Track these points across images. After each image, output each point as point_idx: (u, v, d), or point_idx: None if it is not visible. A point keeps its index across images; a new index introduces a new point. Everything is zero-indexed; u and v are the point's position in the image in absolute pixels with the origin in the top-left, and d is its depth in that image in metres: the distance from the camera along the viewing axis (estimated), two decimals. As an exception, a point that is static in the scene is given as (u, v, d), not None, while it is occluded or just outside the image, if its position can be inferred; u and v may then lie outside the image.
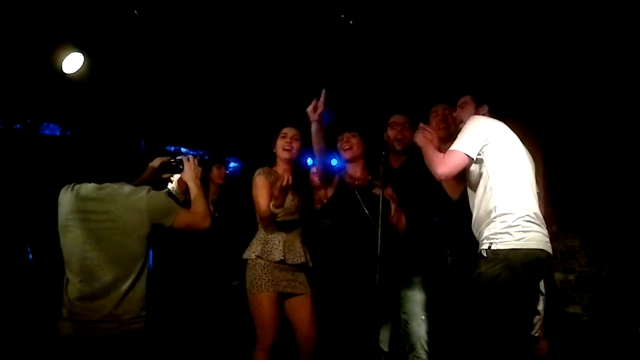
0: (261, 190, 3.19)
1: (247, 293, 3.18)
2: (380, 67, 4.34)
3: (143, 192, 2.41)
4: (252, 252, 3.21)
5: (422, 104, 3.46)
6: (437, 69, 4.20)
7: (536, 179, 2.87)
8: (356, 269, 3.29)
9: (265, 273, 3.13)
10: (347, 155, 3.51)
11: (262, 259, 3.16)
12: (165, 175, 2.81)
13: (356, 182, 3.48)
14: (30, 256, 3.82)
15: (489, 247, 2.63)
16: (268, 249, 3.18)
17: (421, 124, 3.04)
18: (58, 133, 4.30)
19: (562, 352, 4.32)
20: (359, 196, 3.41)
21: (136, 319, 2.36)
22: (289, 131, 3.36)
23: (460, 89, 3.04)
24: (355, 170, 3.54)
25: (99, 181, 2.43)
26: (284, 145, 3.33)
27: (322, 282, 3.43)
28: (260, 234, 3.26)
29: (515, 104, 4.03)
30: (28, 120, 4.11)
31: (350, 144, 3.49)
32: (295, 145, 3.33)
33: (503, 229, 2.61)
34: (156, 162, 2.78)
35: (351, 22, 3.90)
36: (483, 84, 3.23)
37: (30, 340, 3.47)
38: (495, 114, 2.91)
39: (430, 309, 3.37)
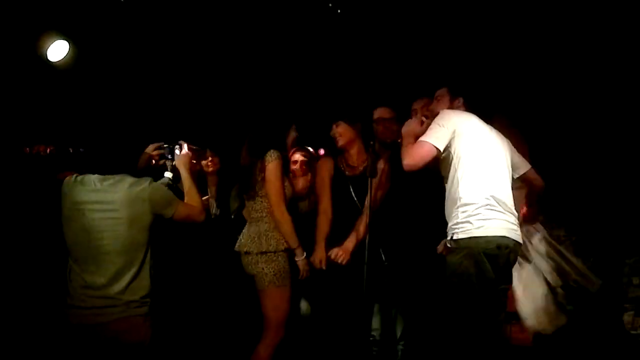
0: (281, 179, 3.07)
1: (266, 286, 3.00)
2: (367, 55, 4.33)
3: (145, 183, 2.49)
4: (277, 243, 3.04)
5: (408, 93, 3.47)
6: (422, 58, 4.19)
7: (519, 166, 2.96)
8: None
9: (289, 267, 3.03)
10: (338, 144, 3.51)
11: (286, 252, 3.04)
12: (161, 161, 2.87)
13: (347, 172, 3.49)
14: None
15: (452, 237, 2.70)
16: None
17: (420, 114, 3.06)
18: None
19: (546, 341, 4.35)
20: (350, 185, 3.43)
21: (141, 302, 2.44)
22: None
23: (441, 80, 3.08)
24: (351, 158, 3.52)
25: (101, 172, 2.48)
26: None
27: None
28: (272, 224, 3.09)
29: (501, 93, 4.05)
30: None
31: (338, 133, 3.48)
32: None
33: (464, 218, 2.67)
34: (150, 148, 2.84)
35: (339, 11, 3.90)
36: (462, 75, 3.25)
37: (37, 328, 3.48)
38: (470, 106, 2.96)
39: (420, 298, 3.39)
